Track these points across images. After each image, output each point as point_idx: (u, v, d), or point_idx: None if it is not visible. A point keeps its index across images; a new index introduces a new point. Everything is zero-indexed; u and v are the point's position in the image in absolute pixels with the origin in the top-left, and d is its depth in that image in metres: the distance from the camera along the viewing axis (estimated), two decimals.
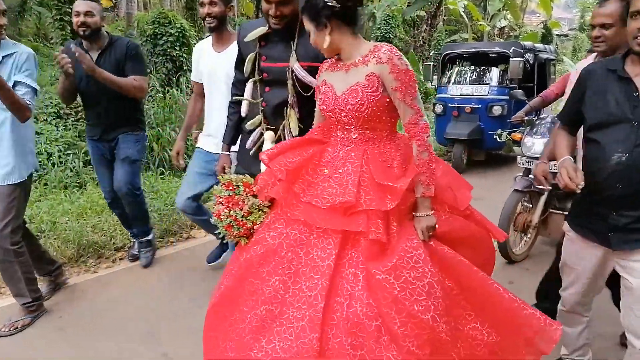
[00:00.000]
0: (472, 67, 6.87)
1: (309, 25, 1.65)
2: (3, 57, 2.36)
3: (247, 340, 1.54)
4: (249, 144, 2.15)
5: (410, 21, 15.95)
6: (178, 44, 6.96)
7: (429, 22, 15.19)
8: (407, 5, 14.21)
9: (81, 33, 2.84)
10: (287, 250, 1.59)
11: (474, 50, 6.94)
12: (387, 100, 1.63)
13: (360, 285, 1.50)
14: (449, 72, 6.96)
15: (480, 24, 15.19)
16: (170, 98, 6.29)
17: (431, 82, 7.56)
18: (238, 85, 2.24)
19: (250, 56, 2.09)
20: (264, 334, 1.52)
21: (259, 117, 2.13)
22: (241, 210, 1.73)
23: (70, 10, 7.11)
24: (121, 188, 3.05)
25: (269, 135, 2.09)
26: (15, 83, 2.35)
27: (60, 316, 2.74)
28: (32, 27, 10.45)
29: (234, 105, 2.25)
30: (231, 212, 1.74)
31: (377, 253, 1.55)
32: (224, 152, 2.28)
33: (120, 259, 3.50)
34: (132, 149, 3.08)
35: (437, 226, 1.64)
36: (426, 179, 1.62)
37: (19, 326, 2.57)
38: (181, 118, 5.71)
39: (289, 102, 2.03)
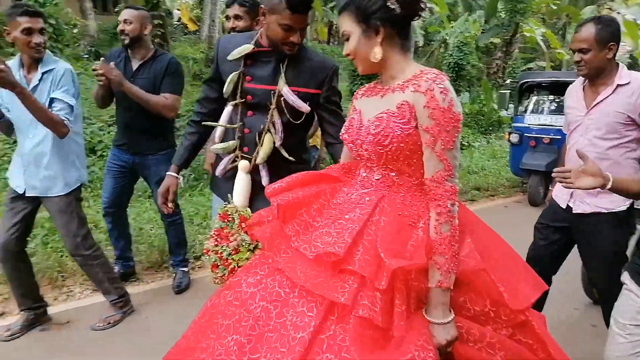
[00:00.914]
0: (551, 97, 6.60)
1: (350, 27, 1.30)
2: (43, 74, 2.39)
3: None
4: (219, 171, 1.96)
5: (484, 48, 15.65)
6: None
7: (504, 49, 14.82)
8: (482, 32, 13.99)
9: (121, 40, 2.88)
10: (258, 304, 1.26)
11: (553, 79, 6.67)
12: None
13: None
14: (527, 101, 6.74)
15: (559, 52, 14.61)
16: None
17: (506, 111, 7.34)
18: (204, 103, 2.02)
19: (233, 76, 1.86)
20: None
21: (233, 143, 1.92)
22: (228, 246, 1.51)
23: (160, 34, 7.66)
24: (163, 212, 3.01)
25: (243, 165, 1.88)
26: (52, 100, 2.38)
27: (146, 317, 2.89)
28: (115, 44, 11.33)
29: (194, 124, 2.03)
30: (218, 247, 1.53)
31: (370, 340, 1.15)
32: (172, 174, 2.01)
33: (200, 267, 3.64)
34: (165, 170, 3.04)
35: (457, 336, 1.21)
36: (445, 262, 1.20)
37: (111, 322, 2.73)
38: None
39: (267, 127, 1.85)
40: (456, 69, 11.44)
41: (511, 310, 1.26)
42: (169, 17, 12.36)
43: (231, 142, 1.91)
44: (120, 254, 3.31)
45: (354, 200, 1.34)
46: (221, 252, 1.52)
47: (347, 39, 1.33)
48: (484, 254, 1.28)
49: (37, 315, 2.69)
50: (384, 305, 1.17)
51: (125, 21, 2.80)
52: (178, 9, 15.99)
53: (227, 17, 2.70)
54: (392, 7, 1.25)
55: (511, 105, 7.13)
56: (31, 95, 2.23)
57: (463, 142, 9.62)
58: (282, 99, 1.81)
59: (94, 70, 2.65)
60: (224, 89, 1.87)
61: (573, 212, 2.21)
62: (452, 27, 14.22)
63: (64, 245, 2.61)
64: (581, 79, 2.27)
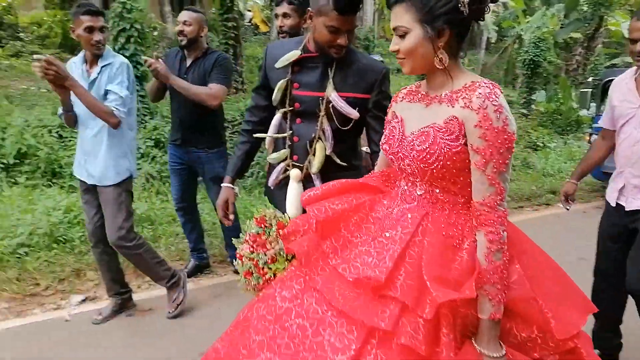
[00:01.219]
0: None
1: (409, 24, 1.18)
2: (102, 68, 2.52)
3: None
4: (271, 180, 1.96)
5: (562, 44, 14.78)
6: None
7: (586, 44, 13.90)
8: (560, 27, 13.21)
9: (179, 41, 2.99)
10: (293, 321, 1.21)
11: None
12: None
13: None
14: None
15: None
16: None
17: (587, 110, 6.90)
18: (255, 112, 2.00)
19: (281, 83, 1.83)
20: None
21: (285, 152, 1.90)
22: (265, 254, 1.44)
23: (234, 36, 7.97)
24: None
25: (294, 174, 1.84)
26: (107, 92, 2.50)
27: (218, 307, 3.04)
28: None
29: (245, 133, 2.01)
30: (254, 254, 1.47)
31: None
32: (228, 185, 2.00)
33: None
34: (219, 167, 3.08)
35: None
36: (497, 292, 1.14)
37: (178, 303, 2.86)
38: None
39: (318, 135, 1.81)
40: (532, 66, 10.89)
41: (559, 339, 1.20)
42: (240, 19, 12.79)
43: (282, 152, 1.90)
44: (194, 246, 3.49)
45: (395, 216, 1.27)
46: (257, 260, 1.44)
47: (402, 36, 1.20)
48: (533, 279, 1.22)
49: (123, 300, 2.90)
50: (428, 333, 1.11)
51: (184, 22, 2.93)
52: (249, 10, 16.48)
53: (276, 16, 2.72)
54: (462, 9, 1.15)
55: (593, 105, 6.69)
56: (82, 87, 2.38)
57: (538, 143, 9.16)
58: (330, 105, 1.76)
59: (144, 62, 2.81)
60: (273, 97, 1.86)
61: (625, 209, 2.10)
62: (527, 22, 13.54)
63: (107, 236, 2.64)
64: (630, 71, 2.16)
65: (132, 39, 5.96)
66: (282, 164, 1.91)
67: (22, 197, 4.42)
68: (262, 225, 1.50)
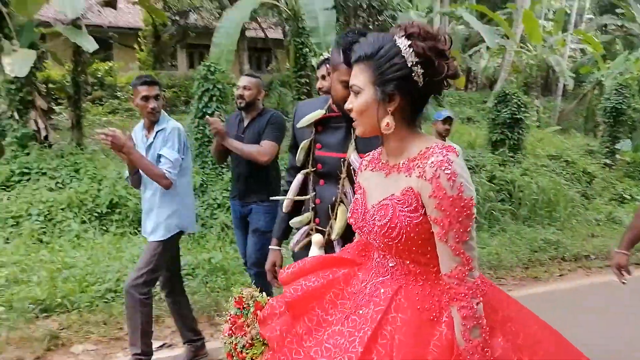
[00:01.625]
0: None
1: (362, 84, 1.19)
2: (157, 133, 2.72)
3: None
4: (292, 245, 1.91)
5: None
6: None
7: None
8: None
9: (237, 104, 3.19)
10: None
11: None
12: None
13: None
14: None
15: None
16: None
17: None
18: (292, 172, 1.97)
19: (304, 143, 1.80)
20: None
21: (308, 215, 1.86)
22: (243, 337, 1.41)
23: (306, 91, 8.36)
24: (249, 258, 3.12)
25: (316, 239, 1.79)
26: (159, 156, 2.68)
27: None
28: (273, 103, 12.58)
29: (285, 194, 1.98)
30: (232, 337, 1.43)
31: None
32: (274, 248, 2.01)
33: None
34: (262, 220, 3.14)
35: None
36: None
37: None
38: None
39: (339, 198, 1.74)
40: (614, 113, 10.32)
41: None
42: (313, 74, 13.43)
43: (305, 215, 1.86)
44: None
45: (368, 292, 1.23)
46: (235, 343, 1.41)
47: (356, 94, 1.21)
48: (525, 348, 1.15)
49: (196, 348, 3.02)
50: None
51: (244, 87, 3.14)
52: None
53: (316, 78, 2.85)
54: (416, 79, 1.15)
55: None
56: (136, 153, 2.59)
57: (624, 195, 8.53)
58: (350, 167, 1.70)
59: (206, 120, 2.99)
60: (296, 157, 1.84)
61: None
62: (608, 67, 12.98)
63: (127, 278, 2.76)
64: None
65: (214, 98, 6.46)
66: (305, 227, 1.87)
67: (112, 244, 4.83)
68: (241, 307, 1.45)
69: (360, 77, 1.20)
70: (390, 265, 1.24)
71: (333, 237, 1.75)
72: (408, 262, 1.21)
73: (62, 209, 5.40)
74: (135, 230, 5.44)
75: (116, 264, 4.21)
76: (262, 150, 3.00)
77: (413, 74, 1.15)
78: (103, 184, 5.92)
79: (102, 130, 2.51)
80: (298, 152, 1.84)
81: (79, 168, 6.15)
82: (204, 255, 4.56)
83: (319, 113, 1.79)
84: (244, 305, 1.45)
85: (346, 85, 1.60)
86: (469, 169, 6.36)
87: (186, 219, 2.84)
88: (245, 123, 3.24)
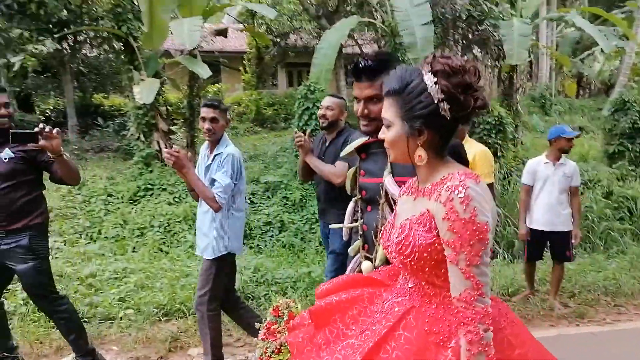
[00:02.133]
0: None
1: (392, 118, 1.24)
2: (215, 156, 2.84)
3: None
4: (347, 272, 1.89)
5: None
6: (494, 131, 7.21)
7: None
8: None
9: (320, 123, 3.28)
10: None
11: None
12: None
13: None
14: None
15: None
16: None
17: None
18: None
19: (350, 171, 1.82)
20: None
21: (359, 243, 1.85)
22: (274, 342, 1.48)
23: None
24: (325, 278, 3.22)
25: (365, 267, 1.76)
26: (213, 180, 2.77)
27: None
28: None
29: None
30: (265, 342, 1.51)
31: None
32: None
33: None
34: (337, 242, 3.16)
35: None
36: None
37: None
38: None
39: (381, 223, 1.70)
40: None
41: None
42: None
43: (357, 242, 1.87)
44: None
45: (384, 309, 1.26)
46: (267, 348, 1.49)
47: (387, 126, 1.26)
48: None
49: None
50: None
51: (327, 107, 3.23)
52: None
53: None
54: (443, 114, 1.17)
55: None
56: (193, 175, 2.70)
57: None
58: (388, 191, 1.68)
59: (294, 133, 3.12)
60: (345, 186, 1.88)
61: None
62: None
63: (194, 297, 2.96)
64: None
65: (313, 116, 6.74)
66: (358, 256, 1.88)
67: None
68: (277, 315, 1.55)
69: (389, 111, 1.25)
70: (409, 286, 1.27)
71: (376, 263, 1.73)
72: (424, 284, 1.24)
73: (179, 222, 5.97)
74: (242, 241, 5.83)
75: None
76: (336, 171, 3.03)
77: (440, 110, 1.18)
78: None
79: (167, 150, 2.66)
80: (346, 180, 1.90)
81: None
82: (303, 269, 4.76)
83: (359, 141, 1.83)
84: (280, 314, 1.55)
85: (358, 100, 1.68)
86: (582, 183, 5.92)
87: (234, 242, 2.92)
88: (327, 143, 3.33)
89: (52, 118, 12.08)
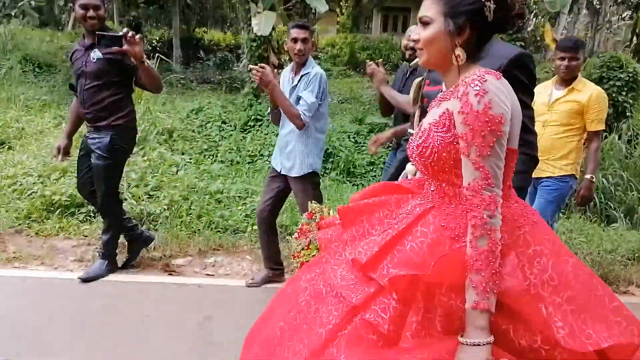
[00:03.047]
0: None
1: (433, 15, 1.24)
2: (301, 76, 2.89)
3: None
4: (401, 178, 1.93)
5: None
6: (626, 88, 6.60)
7: None
8: None
9: (404, 54, 3.22)
10: (304, 298, 1.33)
11: None
12: None
13: None
14: None
15: None
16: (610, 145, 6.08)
17: None
18: None
19: (416, 81, 1.86)
20: None
21: None
22: (304, 241, 1.62)
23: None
24: None
25: (409, 168, 1.82)
26: (299, 97, 2.84)
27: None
28: None
29: None
30: (297, 241, 1.65)
31: (369, 343, 1.14)
32: None
33: None
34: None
35: None
36: (482, 280, 1.09)
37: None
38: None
39: None
40: None
41: (569, 352, 1.06)
42: (531, 35, 12.37)
43: None
44: None
45: (407, 210, 1.31)
46: (297, 245, 1.64)
47: (425, 24, 1.26)
48: (547, 285, 1.13)
49: (274, 274, 3.28)
50: (397, 315, 1.14)
51: (415, 41, 3.09)
52: (542, 27, 15.79)
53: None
54: (487, 14, 1.18)
55: None
56: (279, 92, 2.77)
57: None
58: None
59: (367, 63, 3.04)
60: (410, 95, 1.88)
61: None
62: None
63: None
64: None
65: None
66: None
67: (330, 189, 5.36)
68: (310, 217, 1.69)
69: (431, 8, 1.25)
70: (432, 190, 1.31)
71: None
72: (444, 185, 1.27)
73: None
74: (346, 179, 5.94)
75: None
76: (411, 99, 3.09)
77: (485, 8, 1.19)
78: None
79: (253, 66, 2.70)
80: (411, 89, 1.91)
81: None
82: None
83: None
84: (313, 217, 1.70)
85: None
86: None
87: (316, 161, 3.00)
88: (407, 74, 3.27)
89: (158, 48, 12.65)
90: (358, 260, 1.24)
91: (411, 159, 1.37)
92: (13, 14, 6.46)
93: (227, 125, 6.78)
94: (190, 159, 5.58)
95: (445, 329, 1.13)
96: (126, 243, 3.38)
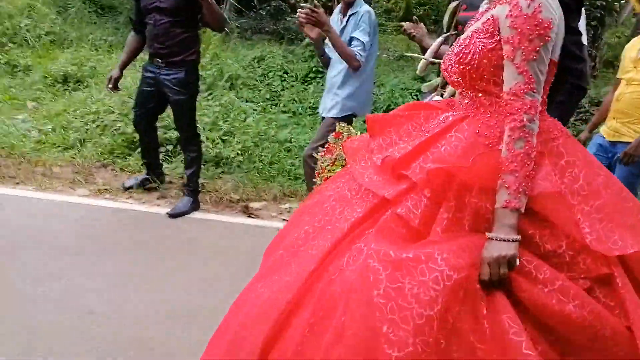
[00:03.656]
0: None
1: None
2: (350, 16, 2.82)
3: (253, 281, 1.39)
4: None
5: None
6: None
7: None
8: None
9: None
10: (330, 203, 1.35)
11: None
12: None
13: (355, 266, 1.13)
14: None
15: None
16: None
17: None
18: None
19: (451, 6, 1.76)
20: (262, 280, 1.34)
21: (437, 80, 1.82)
22: (330, 157, 1.66)
23: (599, 16, 7.33)
24: None
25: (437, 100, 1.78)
26: (351, 38, 2.76)
27: None
28: None
29: None
30: (323, 158, 1.70)
31: (398, 235, 1.15)
32: None
33: None
34: None
35: (516, 264, 1.07)
36: (515, 180, 1.09)
37: None
38: None
39: None
40: None
41: (593, 259, 1.08)
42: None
43: (434, 80, 1.85)
44: None
45: (439, 120, 1.30)
46: (323, 162, 1.69)
47: None
48: (578, 194, 1.13)
49: None
50: (428, 212, 1.14)
51: None
52: None
53: None
54: None
55: None
56: (335, 33, 2.69)
57: None
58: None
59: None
60: (443, 21, 1.81)
61: None
62: None
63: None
64: None
65: None
66: (433, 94, 1.85)
67: None
68: (337, 137, 1.74)
69: None
70: (466, 102, 1.29)
71: (445, 95, 1.74)
72: (480, 95, 1.25)
73: None
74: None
75: None
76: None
77: None
78: (382, 89, 6.46)
79: (305, 4, 2.62)
80: (445, 15, 1.83)
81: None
82: None
83: None
84: (340, 137, 1.73)
85: None
86: None
87: (361, 103, 2.97)
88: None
89: None
90: (391, 157, 1.24)
91: (446, 72, 1.34)
92: None
93: (289, 76, 6.74)
94: (257, 107, 5.62)
95: (472, 228, 1.15)
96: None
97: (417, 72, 2.02)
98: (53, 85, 5.27)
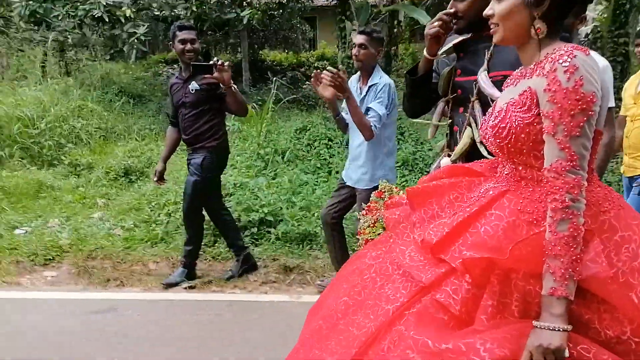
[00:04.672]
0: None
1: None
2: (370, 87, 2.89)
3: (297, 347, 1.39)
4: (432, 170, 1.88)
5: None
6: None
7: None
8: None
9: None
10: (370, 275, 1.33)
11: None
12: None
13: (396, 352, 1.10)
14: None
15: None
16: None
17: None
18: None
19: (444, 71, 1.79)
20: (302, 348, 1.34)
21: (443, 142, 1.87)
22: (371, 218, 1.63)
23: (624, 52, 7.59)
24: None
25: (444, 162, 1.80)
26: (368, 108, 2.81)
27: None
28: None
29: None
30: (364, 217, 1.66)
31: (439, 323, 1.11)
32: None
33: None
34: None
35: (565, 356, 1.00)
36: (560, 266, 1.03)
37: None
38: None
39: (467, 120, 1.70)
40: None
41: None
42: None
43: (441, 142, 1.90)
44: None
45: (480, 194, 1.26)
46: (363, 222, 1.66)
47: None
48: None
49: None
50: (469, 297, 1.10)
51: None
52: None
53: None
54: None
55: None
56: (354, 100, 2.72)
57: None
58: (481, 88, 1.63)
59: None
60: (438, 86, 1.84)
61: None
62: None
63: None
64: None
65: None
66: (441, 155, 1.90)
67: None
68: (379, 196, 1.70)
69: None
70: (506, 173, 1.24)
71: (452, 158, 1.76)
72: (520, 168, 1.20)
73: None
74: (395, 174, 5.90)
75: None
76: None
77: None
78: (425, 146, 6.55)
79: (331, 69, 2.58)
80: (439, 80, 1.85)
81: (404, 132, 6.90)
82: None
83: (456, 37, 1.80)
84: (382, 196, 1.70)
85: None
86: None
87: (389, 170, 3.02)
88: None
89: None
90: (428, 241, 1.21)
91: (484, 141, 1.32)
92: (125, 49, 6.79)
93: (334, 143, 6.86)
94: (312, 177, 5.67)
95: (522, 314, 1.09)
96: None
97: (429, 137, 2.10)
98: (116, 179, 5.36)
